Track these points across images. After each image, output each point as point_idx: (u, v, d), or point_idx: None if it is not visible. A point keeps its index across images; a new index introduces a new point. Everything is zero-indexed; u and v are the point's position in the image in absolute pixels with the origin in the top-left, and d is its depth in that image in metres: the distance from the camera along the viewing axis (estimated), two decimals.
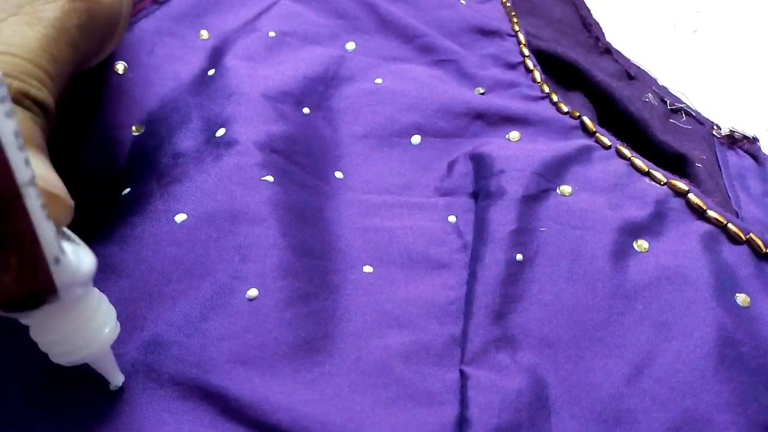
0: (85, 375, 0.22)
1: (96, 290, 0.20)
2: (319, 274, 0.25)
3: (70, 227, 0.27)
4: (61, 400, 0.22)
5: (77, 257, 0.18)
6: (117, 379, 0.22)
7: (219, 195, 0.26)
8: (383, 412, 0.22)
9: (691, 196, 0.28)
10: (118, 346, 0.23)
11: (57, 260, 0.17)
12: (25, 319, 0.18)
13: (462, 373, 0.23)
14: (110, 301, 0.23)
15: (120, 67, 0.31)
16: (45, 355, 0.22)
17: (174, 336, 0.23)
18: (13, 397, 0.22)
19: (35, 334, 0.19)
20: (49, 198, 0.17)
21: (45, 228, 0.16)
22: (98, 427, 0.21)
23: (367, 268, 0.26)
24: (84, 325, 0.19)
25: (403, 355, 0.24)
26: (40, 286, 0.17)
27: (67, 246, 0.17)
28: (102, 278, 0.24)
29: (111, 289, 0.24)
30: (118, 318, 0.23)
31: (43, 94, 0.20)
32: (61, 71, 0.21)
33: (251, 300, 0.23)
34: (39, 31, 0.20)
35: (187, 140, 0.28)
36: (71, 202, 0.19)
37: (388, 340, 0.24)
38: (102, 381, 0.22)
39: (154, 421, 0.21)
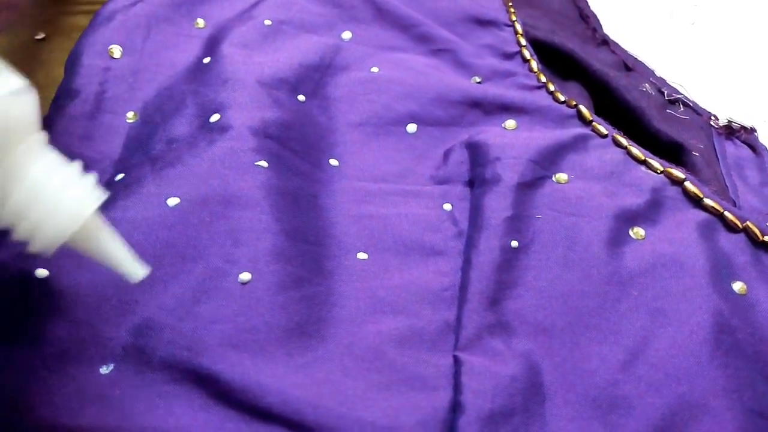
0: (75, 357, 0.22)
1: (46, 149, 0.17)
2: (312, 259, 0.25)
3: None
4: (52, 384, 0.22)
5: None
6: (134, 269, 0.19)
7: (212, 179, 0.25)
8: (376, 396, 0.22)
9: (687, 184, 0.28)
10: (110, 330, 0.22)
11: None
12: None
13: (456, 359, 0.23)
14: (101, 286, 0.23)
15: (116, 51, 0.31)
16: (36, 340, 0.22)
17: (166, 319, 0.23)
18: (3, 381, 0.22)
19: (4, 218, 0.16)
20: None
21: None
22: (89, 410, 0.21)
23: (362, 255, 0.26)
24: (34, 188, 0.16)
25: (397, 340, 0.23)
26: None
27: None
28: (93, 261, 0.24)
29: (103, 272, 0.23)
30: (109, 302, 0.23)
31: None
32: None
33: (244, 284, 0.23)
34: None
35: (181, 126, 0.28)
36: None
37: (381, 326, 0.24)
38: (92, 363, 0.22)
39: (145, 405, 0.21)
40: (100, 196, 0.18)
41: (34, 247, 0.17)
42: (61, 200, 0.17)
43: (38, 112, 0.16)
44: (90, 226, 0.17)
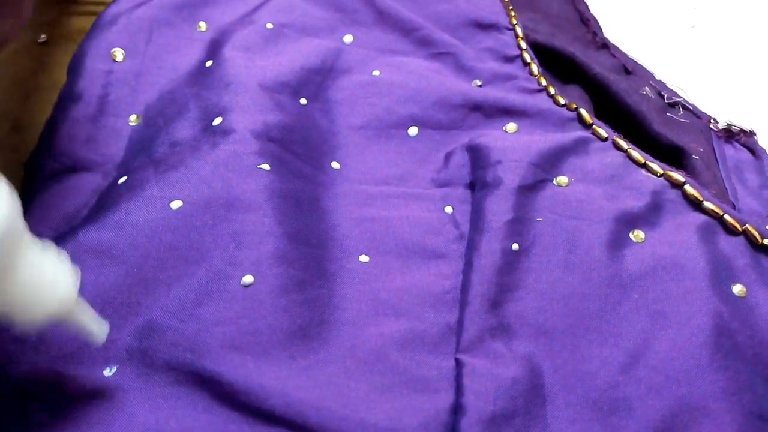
0: (79, 360, 0.22)
1: (34, 242, 0.18)
2: (315, 262, 0.25)
3: (66, 216, 0.27)
4: (55, 386, 0.22)
5: None
6: (102, 330, 0.20)
7: (215, 182, 0.26)
8: (378, 398, 0.22)
9: (687, 187, 0.28)
10: (113, 332, 0.22)
11: None
12: None
13: (457, 361, 0.23)
14: (105, 287, 0.23)
15: (119, 54, 0.31)
16: (39, 342, 0.22)
17: (169, 321, 0.23)
18: (6, 383, 0.22)
19: None
20: None
21: None
22: (92, 412, 0.21)
23: (363, 258, 0.26)
24: (28, 280, 0.18)
25: (399, 342, 0.24)
26: None
27: None
28: (97, 264, 0.24)
29: (106, 275, 0.24)
30: (112, 304, 0.23)
31: None
32: None
33: (246, 286, 0.23)
34: None
35: (184, 129, 0.28)
36: None
37: (383, 328, 0.24)
38: (96, 366, 0.22)
39: (148, 406, 0.21)
40: (77, 275, 0.20)
41: (20, 326, 0.19)
42: (49, 288, 0.18)
43: (19, 205, 0.17)
44: (69, 303, 0.19)
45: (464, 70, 0.35)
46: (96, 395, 0.21)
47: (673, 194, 0.29)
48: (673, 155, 0.33)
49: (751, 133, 0.35)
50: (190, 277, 0.24)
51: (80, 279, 0.20)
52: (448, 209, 0.29)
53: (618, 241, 0.27)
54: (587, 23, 0.41)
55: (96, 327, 0.20)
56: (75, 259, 0.24)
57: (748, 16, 0.45)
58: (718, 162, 0.33)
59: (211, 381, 0.21)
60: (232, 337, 0.22)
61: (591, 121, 0.32)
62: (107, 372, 0.22)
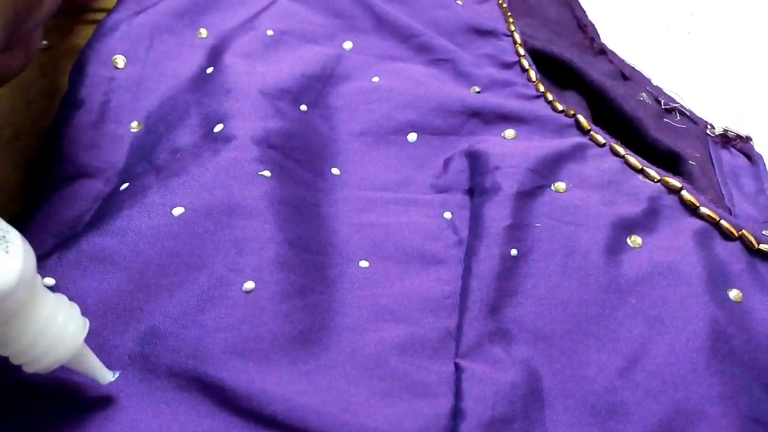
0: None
1: (48, 293, 0.19)
2: (315, 268, 0.26)
3: (68, 222, 0.27)
4: (57, 391, 0.22)
5: None
6: (105, 376, 0.21)
7: (216, 189, 0.26)
8: (378, 403, 0.22)
9: (684, 192, 0.29)
10: (115, 338, 0.23)
11: None
12: None
13: (457, 366, 0.23)
14: (107, 294, 0.24)
15: (120, 61, 0.32)
16: None
17: (171, 327, 0.23)
18: (9, 387, 0.22)
19: (9, 353, 0.19)
20: None
21: None
22: (94, 417, 0.21)
23: (363, 263, 0.27)
24: (42, 331, 0.19)
25: (399, 348, 0.24)
26: None
27: None
28: (99, 270, 0.24)
29: (108, 281, 0.24)
30: (114, 310, 0.23)
31: None
32: None
33: (248, 292, 0.24)
34: None
35: (185, 136, 0.29)
36: None
37: (383, 334, 0.24)
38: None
39: (150, 412, 0.21)
40: (86, 324, 0.20)
41: (30, 371, 0.19)
42: (61, 337, 0.19)
43: (33, 256, 0.18)
44: (78, 350, 0.20)
45: (462, 77, 0.35)
46: (98, 400, 0.22)
47: (670, 200, 0.29)
48: (669, 161, 0.33)
49: (748, 139, 0.35)
50: (191, 283, 0.24)
51: (88, 328, 0.20)
52: (447, 215, 0.29)
53: (615, 247, 0.27)
54: (585, 29, 0.42)
55: (101, 371, 0.21)
56: (77, 265, 0.24)
57: (745, 23, 0.46)
58: (714, 167, 0.33)
59: (213, 386, 0.22)
60: (234, 342, 0.22)
61: (588, 127, 0.32)
62: (103, 383, 0.22)
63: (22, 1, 0.22)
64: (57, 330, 0.19)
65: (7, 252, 0.17)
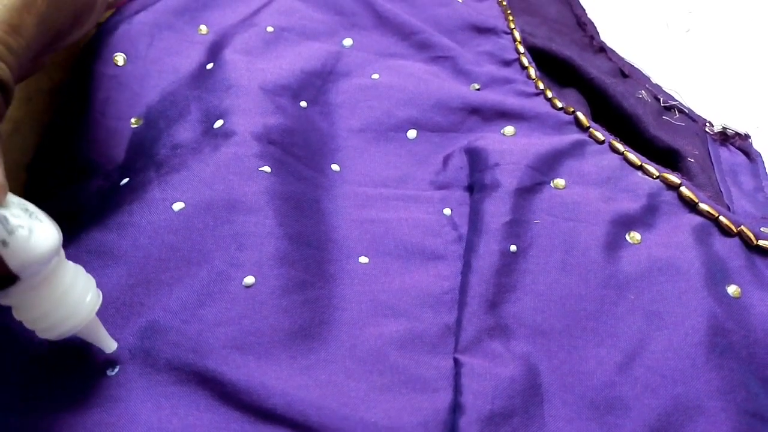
0: (82, 359, 0.22)
1: (69, 263, 0.20)
2: (315, 263, 0.26)
3: (67, 212, 0.27)
4: (58, 385, 0.22)
5: (31, 236, 0.18)
6: (110, 345, 0.22)
7: (216, 184, 0.26)
8: (378, 398, 0.22)
9: (683, 189, 0.29)
10: (115, 332, 0.23)
11: (4, 243, 0.17)
12: (1, 301, 0.19)
13: (456, 361, 0.23)
14: (108, 288, 0.24)
15: (120, 58, 0.32)
16: (41, 342, 0.22)
17: (171, 322, 0.23)
18: (10, 381, 0.22)
19: (17, 313, 0.19)
20: None
21: None
22: (94, 411, 0.21)
23: (363, 259, 0.27)
24: (63, 299, 0.19)
25: (398, 343, 0.24)
26: None
27: (18, 226, 0.17)
28: (100, 265, 0.24)
29: (108, 276, 0.24)
30: (114, 304, 0.23)
31: (1, 70, 0.19)
32: (24, 44, 0.20)
33: (248, 287, 0.24)
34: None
35: (185, 132, 0.29)
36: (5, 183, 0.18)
37: (383, 329, 0.24)
38: (99, 365, 0.22)
39: (150, 406, 0.21)
40: (100, 295, 0.21)
41: (44, 336, 0.20)
42: (79, 306, 0.20)
43: (59, 234, 0.19)
44: (91, 319, 0.21)
45: (462, 74, 0.35)
46: (99, 394, 0.22)
47: (669, 196, 0.29)
48: (668, 158, 0.33)
49: (746, 137, 0.35)
50: (192, 278, 0.24)
51: (101, 299, 0.21)
52: (447, 211, 0.29)
53: (614, 243, 0.27)
54: (584, 27, 0.42)
55: (106, 340, 0.22)
56: (78, 259, 0.24)
57: (743, 21, 0.46)
58: (713, 165, 0.33)
59: (213, 381, 0.22)
60: (234, 337, 0.22)
61: (588, 124, 0.32)
62: (110, 371, 0.22)
63: (60, 22, 0.22)
64: (76, 298, 0.20)
65: (41, 221, 0.18)
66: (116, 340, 0.23)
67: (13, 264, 0.17)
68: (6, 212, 0.17)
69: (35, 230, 0.18)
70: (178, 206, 0.25)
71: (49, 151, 0.30)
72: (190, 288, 0.24)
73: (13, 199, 0.18)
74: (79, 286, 0.20)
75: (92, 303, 0.20)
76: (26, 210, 0.18)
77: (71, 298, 0.20)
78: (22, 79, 0.23)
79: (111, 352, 0.22)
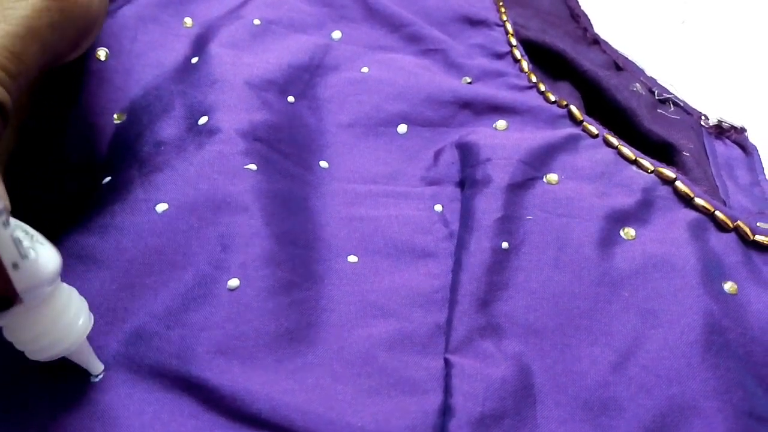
0: (64, 366, 0.22)
1: (64, 285, 0.20)
2: (302, 263, 0.25)
3: (47, 216, 0.26)
4: (39, 391, 0.22)
5: (38, 259, 0.18)
6: (97, 368, 0.22)
7: (201, 184, 0.25)
8: (365, 401, 0.21)
9: (678, 183, 0.28)
10: (99, 338, 0.22)
11: (15, 265, 0.17)
12: None
13: (446, 362, 0.23)
14: (90, 293, 0.23)
15: (102, 53, 0.31)
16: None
17: (155, 327, 0.22)
18: None
19: (9, 334, 0.19)
20: None
21: (1, 234, 0.16)
22: (76, 418, 0.21)
23: (352, 258, 0.26)
24: (56, 321, 0.19)
25: (387, 344, 0.23)
26: (0, 293, 0.17)
27: (27, 248, 0.17)
28: (82, 269, 0.23)
29: (91, 280, 0.23)
30: (98, 309, 0.23)
31: (1, 94, 0.19)
32: (25, 69, 0.20)
33: (232, 290, 0.23)
34: (2, 28, 0.20)
35: (169, 128, 0.28)
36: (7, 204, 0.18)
37: (371, 330, 0.24)
38: (81, 372, 0.22)
39: (132, 411, 0.21)
40: (92, 318, 0.21)
41: (34, 358, 0.20)
42: (71, 329, 0.20)
43: (59, 256, 0.19)
44: (81, 342, 0.21)
45: (454, 67, 0.34)
46: (81, 400, 0.21)
47: (664, 191, 0.28)
48: (663, 152, 0.32)
49: (742, 130, 0.35)
50: (176, 281, 0.23)
51: (93, 322, 0.21)
52: (438, 208, 0.28)
53: (608, 239, 0.26)
54: (578, 19, 0.41)
55: (94, 364, 0.22)
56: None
57: (739, 12, 0.45)
58: (708, 159, 0.32)
59: (197, 387, 0.21)
60: (218, 341, 0.22)
61: (581, 118, 0.31)
62: (93, 377, 0.22)
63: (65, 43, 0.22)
64: (69, 320, 0.20)
65: (42, 243, 0.18)
66: (99, 346, 0.22)
67: (20, 286, 0.17)
68: (19, 234, 0.17)
69: (40, 253, 0.18)
70: (161, 207, 0.25)
71: (28, 150, 0.29)
72: (175, 292, 0.23)
73: (13, 221, 0.18)
74: (72, 309, 0.20)
75: (84, 326, 0.20)
76: (27, 232, 0.18)
77: (64, 321, 0.19)
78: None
79: (98, 374, 0.22)
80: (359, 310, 0.24)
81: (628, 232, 0.27)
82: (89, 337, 0.21)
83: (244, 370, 0.21)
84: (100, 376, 0.22)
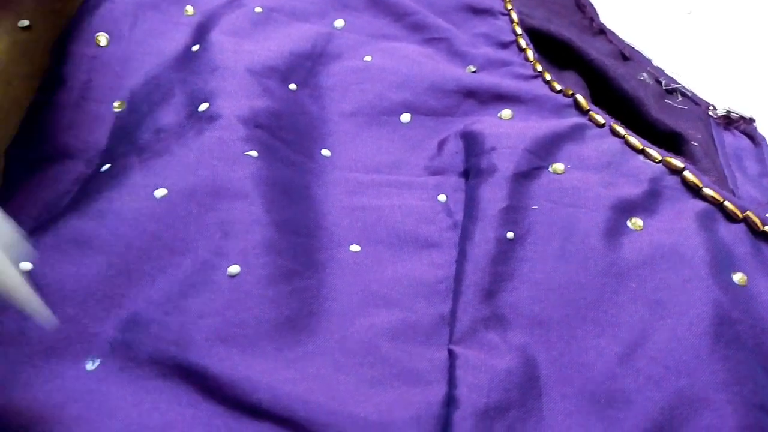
0: (62, 353, 0.21)
1: None
2: (303, 252, 0.25)
3: (47, 204, 0.26)
4: (36, 379, 0.21)
5: None
6: (43, 312, 0.20)
7: (200, 170, 0.25)
8: (368, 391, 0.21)
9: (686, 173, 0.28)
10: (96, 324, 0.22)
11: None
12: None
13: (450, 353, 0.22)
14: (87, 278, 0.23)
15: (102, 38, 0.31)
16: (20, 335, 0.22)
17: (153, 314, 0.22)
18: None
19: None
20: None
21: None
22: (74, 406, 0.20)
23: (354, 247, 0.26)
24: None
25: (390, 334, 0.23)
26: None
27: None
28: (78, 254, 0.23)
29: (88, 265, 0.23)
30: (94, 295, 0.22)
31: None
32: None
33: (232, 277, 0.23)
34: None
35: (169, 115, 0.28)
36: None
37: (374, 320, 0.23)
38: (78, 359, 0.21)
39: (130, 400, 0.21)
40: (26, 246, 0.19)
41: None
42: None
43: None
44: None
45: (458, 56, 0.34)
46: (78, 389, 0.21)
47: (672, 181, 0.28)
48: (671, 142, 0.32)
49: (751, 120, 0.34)
50: (175, 267, 0.23)
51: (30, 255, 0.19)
52: (442, 197, 0.28)
53: (615, 229, 0.26)
54: (583, 9, 0.41)
55: (41, 311, 0.20)
56: (56, 249, 0.23)
57: (746, 2, 0.45)
58: (717, 149, 0.32)
59: (196, 374, 0.21)
60: (218, 329, 0.22)
61: (588, 107, 0.31)
62: (90, 365, 0.21)
63: None
64: None
65: None
66: (96, 333, 0.22)
67: None
68: None
69: None
70: (160, 193, 0.24)
71: (28, 136, 0.28)
72: (173, 278, 0.23)
73: None
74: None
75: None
76: None
77: None
78: None
79: (50, 325, 0.20)
80: (361, 299, 0.24)
81: (635, 223, 0.26)
82: (83, 322, 0.20)
83: (244, 358, 0.21)
84: (97, 363, 0.21)
